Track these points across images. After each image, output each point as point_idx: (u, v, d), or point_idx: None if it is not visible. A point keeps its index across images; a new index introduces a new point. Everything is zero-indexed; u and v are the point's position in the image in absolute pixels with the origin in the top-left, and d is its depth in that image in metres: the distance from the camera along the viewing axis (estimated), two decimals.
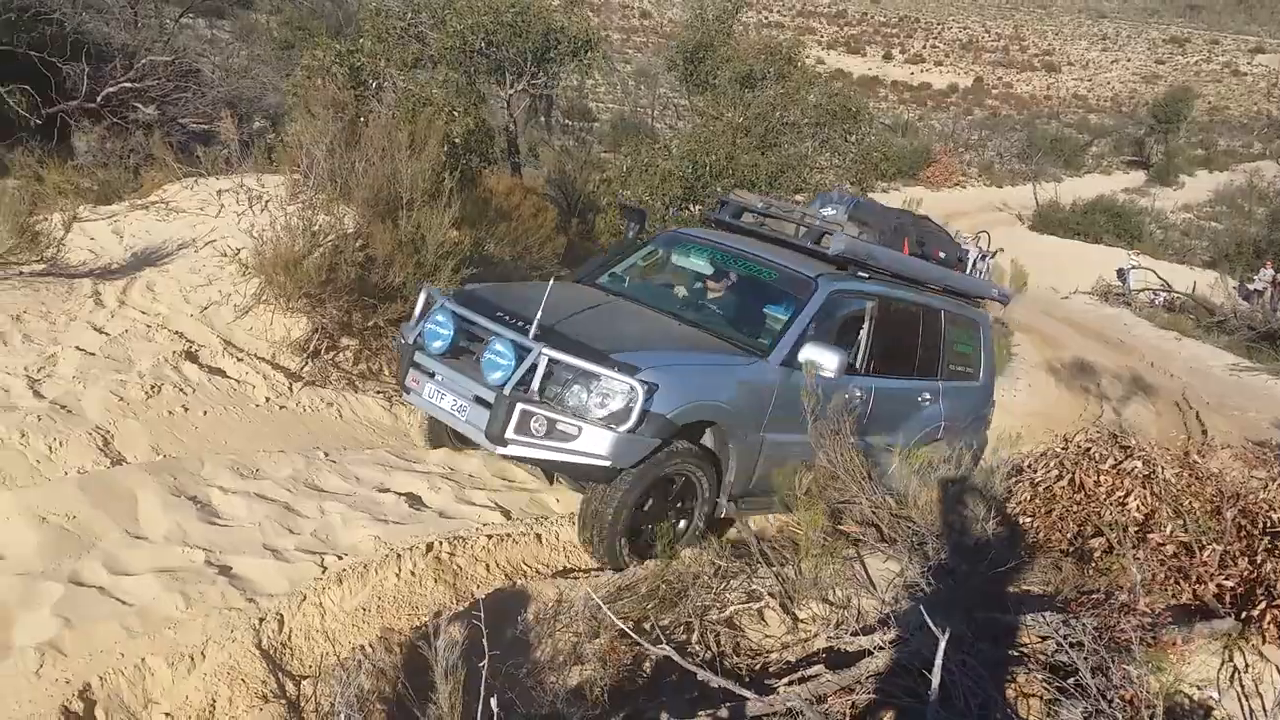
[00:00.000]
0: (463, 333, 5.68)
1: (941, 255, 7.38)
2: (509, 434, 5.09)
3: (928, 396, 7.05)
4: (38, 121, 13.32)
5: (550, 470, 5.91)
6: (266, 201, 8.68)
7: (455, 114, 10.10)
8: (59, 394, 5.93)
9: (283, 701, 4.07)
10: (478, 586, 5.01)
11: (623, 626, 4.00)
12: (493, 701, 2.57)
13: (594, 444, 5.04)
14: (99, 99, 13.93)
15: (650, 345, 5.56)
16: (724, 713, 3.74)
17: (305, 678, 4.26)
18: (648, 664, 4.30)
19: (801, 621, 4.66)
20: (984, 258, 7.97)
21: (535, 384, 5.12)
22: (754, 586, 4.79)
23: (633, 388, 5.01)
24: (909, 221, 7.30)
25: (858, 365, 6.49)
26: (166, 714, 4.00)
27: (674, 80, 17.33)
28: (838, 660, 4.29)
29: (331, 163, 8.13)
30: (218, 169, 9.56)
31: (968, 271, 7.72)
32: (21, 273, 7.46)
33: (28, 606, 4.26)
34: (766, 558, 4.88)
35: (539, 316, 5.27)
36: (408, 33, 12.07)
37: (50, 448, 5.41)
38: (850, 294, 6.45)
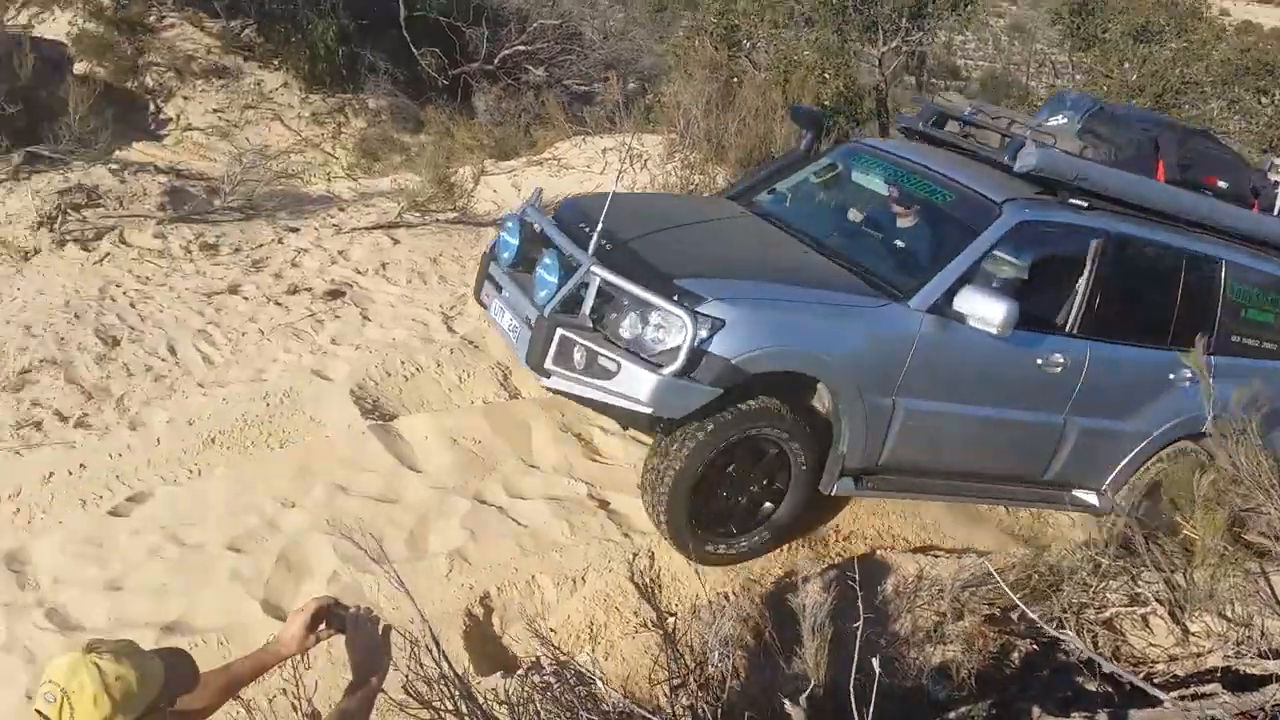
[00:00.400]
0: (531, 242, 5.01)
1: (1221, 185, 5.51)
2: (548, 363, 4.35)
3: (1189, 375, 5.28)
4: (444, 82, 14.83)
5: (602, 411, 4.84)
6: (645, 160, 9.13)
7: (826, 76, 10.03)
8: (468, 330, 6.63)
9: (656, 631, 4.36)
10: (840, 551, 5.05)
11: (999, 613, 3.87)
12: (874, 661, 2.59)
13: (632, 385, 4.18)
14: (495, 61, 15.26)
15: (738, 273, 4.55)
16: (1103, 717, 3.53)
17: (672, 614, 4.51)
18: (1015, 654, 4.15)
19: (1193, 634, 4.27)
20: None
21: (587, 307, 4.36)
22: (1138, 590, 4.45)
23: (686, 321, 4.08)
24: (1174, 138, 5.45)
25: (1066, 323, 5.03)
26: (552, 629, 4.40)
27: (1055, 35, 16.12)
28: (1236, 682, 3.90)
29: (707, 123, 8.39)
30: (601, 128, 10.16)
31: (1277, 212, 5.74)
32: (438, 220, 8.40)
33: (442, 516, 4.83)
34: (1156, 561, 4.49)
35: (600, 227, 4.47)
36: None
37: (460, 378, 6.08)
38: (1055, 227, 4.98)
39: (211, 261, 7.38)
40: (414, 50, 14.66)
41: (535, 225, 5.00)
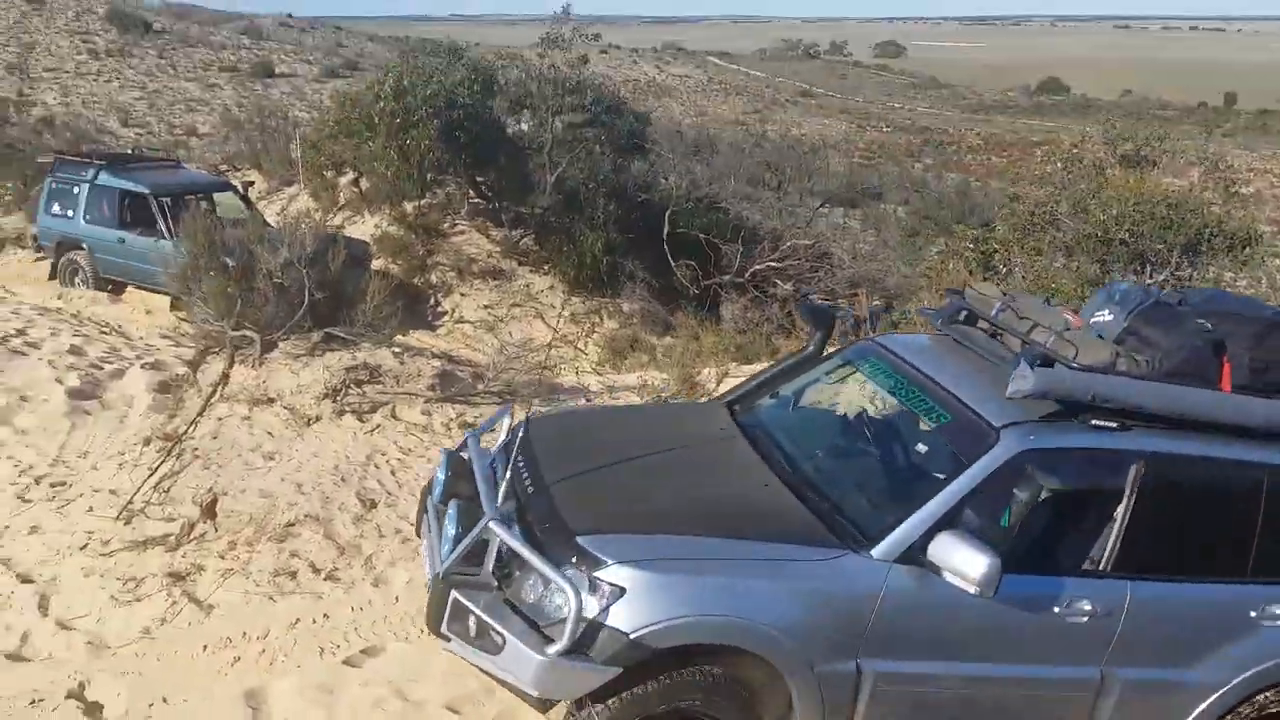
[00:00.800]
0: (460, 478, 4.55)
1: None
2: (444, 626, 3.89)
3: (1277, 610, 4.43)
4: (695, 290, 15.59)
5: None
6: None
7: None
8: None
9: None
10: None
11: None
12: None
13: (516, 663, 3.67)
14: (746, 275, 15.91)
15: (662, 524, 3.94)
16: None
17: None
18: None
19: None
20: None
21: (489, 564, 3.93)
22: None
23: (569, 592, 3.57)
24: (1249, 334, 4.51)
25: (1099, 561, 4.26)
26: None
27: None
28: None
29: None
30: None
31: None
32: None
33: None
34: None
35: (515, 468, 4.14)
36: (1042, 219, 12.03)
37: None
38: (1074, 454, 4.20)
39: None
40: (671, 262, 15.57)
41: (468, 458, 4.57)
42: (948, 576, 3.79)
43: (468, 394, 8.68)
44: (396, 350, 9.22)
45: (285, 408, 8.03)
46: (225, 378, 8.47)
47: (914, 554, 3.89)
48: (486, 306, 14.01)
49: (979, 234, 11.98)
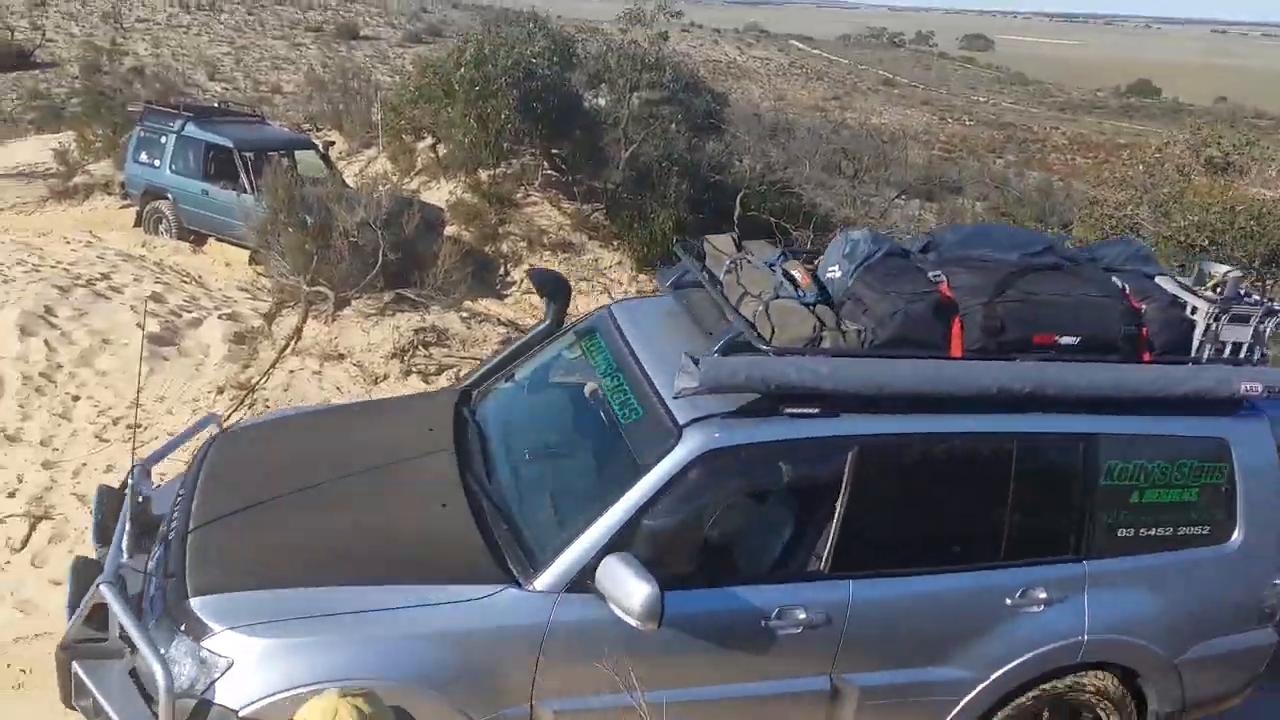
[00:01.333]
0: (113, 517, 4.03)
1: (1067, 340, 3.91)
2: (74, 699, 3.45)
3: (1042, 594, 3.96)
4: None
5: None
6: None
7: None
8: None
9: None
10: None
11: None
12: None
13: None
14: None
15: (295, 572, 3.46)
16: None
17: None
18: None
19: None
20: (1260, 317, 4.17)
21: (113, 629, 3.49)
22: None
23: (158, 670, 3.12)
24: (987, 289, 3.85)
25: (816, 563, 3.75)
26: None
27: None
28: None
29: None
30: None
31: (1198, 348, 4.12)
32: None
33: None
34: None
35: (130, 514, 3.74)
36: (1122, 222, 11.75)
37: None
38: (771, 448, 3.67)
39: None
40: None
41: (135, 494, 4.04)
42: (612, 607, 3.31)
43: None
44: (464, 315, 9.33)
45: (354, 364, 8.18)
46: (298, 332, 8.65)
47: (585, 581, 3.41)
48: None
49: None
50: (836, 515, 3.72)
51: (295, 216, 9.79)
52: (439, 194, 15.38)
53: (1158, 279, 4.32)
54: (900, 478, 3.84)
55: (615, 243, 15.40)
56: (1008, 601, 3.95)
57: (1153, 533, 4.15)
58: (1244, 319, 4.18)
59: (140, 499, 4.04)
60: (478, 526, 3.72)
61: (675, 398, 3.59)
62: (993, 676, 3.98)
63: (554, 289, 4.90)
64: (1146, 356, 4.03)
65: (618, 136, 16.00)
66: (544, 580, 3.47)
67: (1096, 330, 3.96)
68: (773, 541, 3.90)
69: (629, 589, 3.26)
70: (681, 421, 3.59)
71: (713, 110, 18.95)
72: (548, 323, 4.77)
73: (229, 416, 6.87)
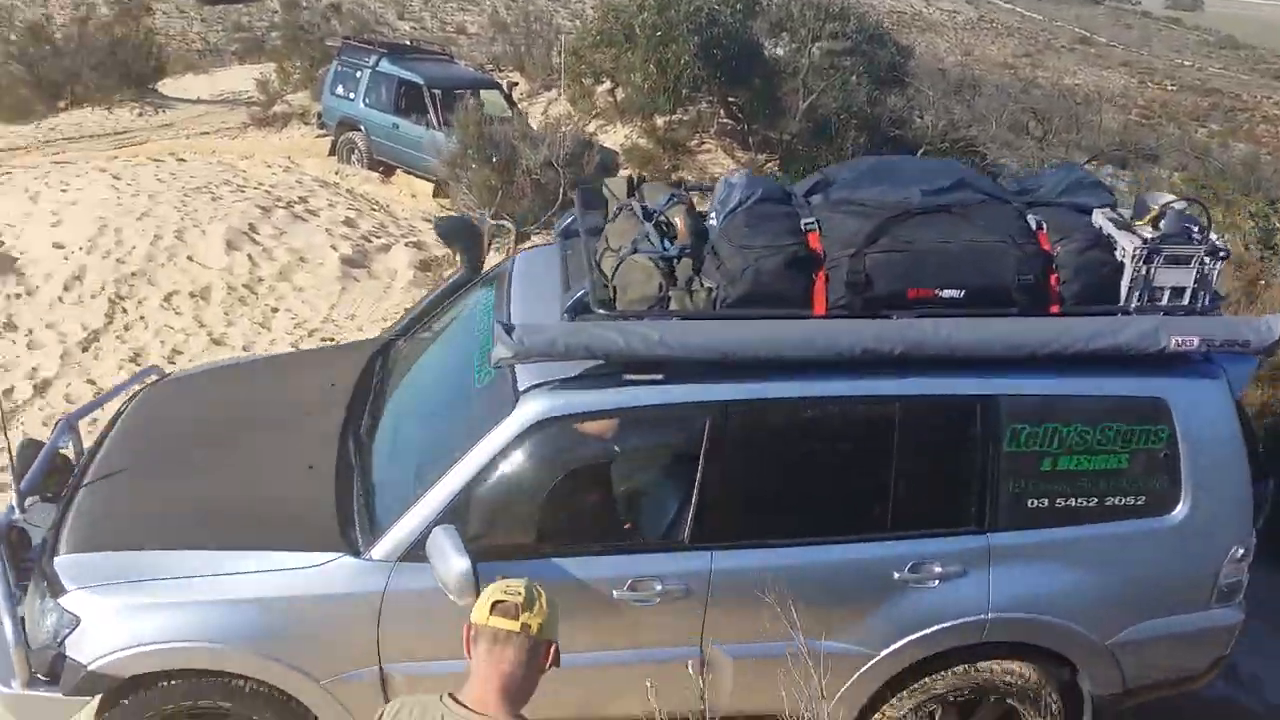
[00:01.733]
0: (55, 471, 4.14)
1: (948, 294, 3.50)
2: None
3: (938, 569, 3.65)
4: None
5: None
6: None
7: None
8: None
9: None
10: None
11: None
12: None
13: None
14: None
15: (154, 535, 3.57)
16: None
17: None
18: None
19: None
20: (1201, 257, 3.60)
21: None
22: None
23: (10, 620, 3.36)
24: (858, 238, 3.46)
25: (673, 533, 3.58)
26: None
27: None
28: None
29: None
30: None
31: (1129, 292, 3.62)
32: None
33: None
34: None
35: (33, 471, 3.85)
36: None
37: None
38: (614, 417, 3.52)
39: None
40: None
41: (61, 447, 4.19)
42: (435, 579, 3.25)
43: None
44: None
45: None
46: (480, 263, 8.95)
47: (417, 550, 3.36)
48: None
49: (1260, 208, 10.85)
50: (694, 484, 3.53)
51: (482, 153, 10.07)
52: (615, 137, 15.52)
53: (1096, 214, 3.77)
54: (763, 445, 3.58)
55: None
56: (896, 575, 3.65)
57: (1072, 503, 3.69)
58: (1183, 260, 3.60)
59: (60, 451, 4.19)
60: (335, 491, 3.71)
61: (494, 367, 3.43)
62: (882, 654, 3.72)
63: (463, 236, 4.70)
64: (1055, 309, 3.59)
65: (796, 86, 15.73)
66: (381, 549, 3.45)
67: (985, 281, 3.52)
68: (624, 511, 3.77)
69: (447, 564, 3.21)
70: (522, 387, 3.44)
71: (896, 63, 18.34)
72: (463, 271, 4.62)
73: None
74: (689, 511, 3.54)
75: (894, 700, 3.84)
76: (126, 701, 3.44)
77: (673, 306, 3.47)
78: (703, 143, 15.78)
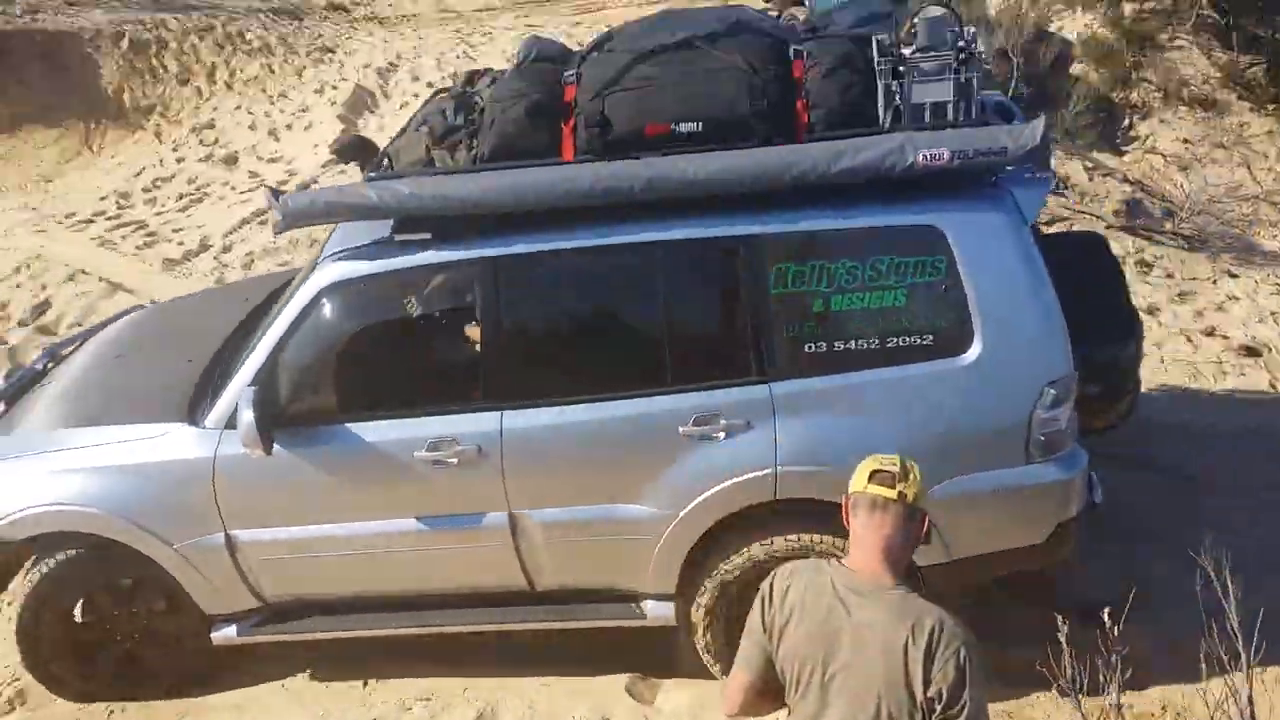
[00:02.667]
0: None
1: (682, 128, 3.44)
2: None
3: (722, 421, 3.54)
4: None
5: None
6: None
7: None
8: None
9: None
10: None
11: None
12: None
13: None
14: None
15: (46, 419, 4.16)
16: None
17: None
18: None
19: None
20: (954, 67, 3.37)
21: None
22: None
23: None
24: (595, 83, 3.51)
25: (469, 392, 3.74)
26: None
27: None
28: None
29: None
30: None
31: (886, 114, 3.47)
32: None
33: None
34: None
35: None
36: None
37: None
38: (397, 279, 3.74)
39: (1144, 280, 7.46)
40: None
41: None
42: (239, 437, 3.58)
43: (1152, 230, 8.09)
44: (1089, 165, 8.79)
45: None
46: None
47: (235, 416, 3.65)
48: (1185, 141, 12.53)
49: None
50: (478, 343, 3.74)
51: None
52: (1073, 25, 14.25)
53: (876, 40, 3.56)
54: (536, 300, 3.73)
55: (1270, 107, 13.27)
56: (681, 430, 3.58)
57: (851, 346, 3.53)
58: (937, 73, 3.42)
59: (42, 368, 4.81)
60: (201, 374, 4.12)
61: (275, 233, 3.67)
62: (682, 513, 3.64)
63: (361, 153, 4.74)
64: (801, 136, 3.47)
65: None
66: (212, 418, 3.79)
67: (720, 112, 3.46)
68: (419, 373, 3.96)
69: (242, 419, 3.53)
70: (323, 257, 3.75)
71: None
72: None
73: None
74: (476, 371, 3.76)
75: (708, 581, 3.74)
76: (46, 574, 3.93)
77: (436, 167, 3.71)
78: (1174, 38, 14.07)
